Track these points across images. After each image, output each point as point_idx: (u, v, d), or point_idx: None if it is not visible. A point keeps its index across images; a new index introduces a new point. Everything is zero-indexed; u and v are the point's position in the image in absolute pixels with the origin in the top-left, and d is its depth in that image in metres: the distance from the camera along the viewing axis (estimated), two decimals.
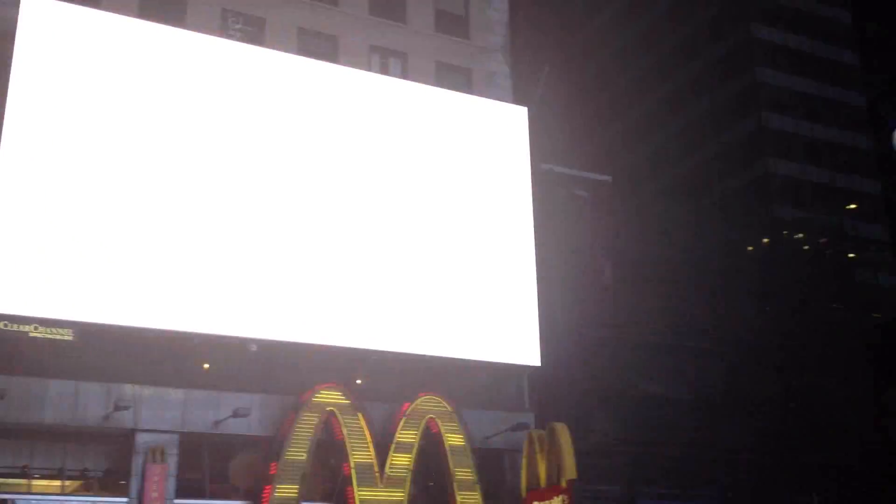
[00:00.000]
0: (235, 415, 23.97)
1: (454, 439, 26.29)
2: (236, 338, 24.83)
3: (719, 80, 60.52)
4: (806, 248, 39.06)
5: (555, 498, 24.77)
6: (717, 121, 60.17)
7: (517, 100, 32.39)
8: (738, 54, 59.73)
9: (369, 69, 30.38)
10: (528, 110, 31.32)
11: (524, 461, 26.47)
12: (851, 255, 44.99)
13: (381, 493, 24.78)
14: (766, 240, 39.27)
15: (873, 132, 51.10)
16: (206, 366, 25.32)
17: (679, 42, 64.44)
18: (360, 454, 24.94)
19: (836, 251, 40.38)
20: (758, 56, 58.76)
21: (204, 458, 24.66)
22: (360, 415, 25.24)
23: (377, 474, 24.90)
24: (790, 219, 47.31)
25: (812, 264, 38.42)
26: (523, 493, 26.32)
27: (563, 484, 24.57)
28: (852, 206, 55.61)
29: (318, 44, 30.20)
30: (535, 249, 29.57)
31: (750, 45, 59.12)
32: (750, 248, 38.37)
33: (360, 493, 24.53)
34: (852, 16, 62.49)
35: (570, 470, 24.63)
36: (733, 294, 35.42)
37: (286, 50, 28.89)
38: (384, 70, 31.08)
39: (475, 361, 28.03)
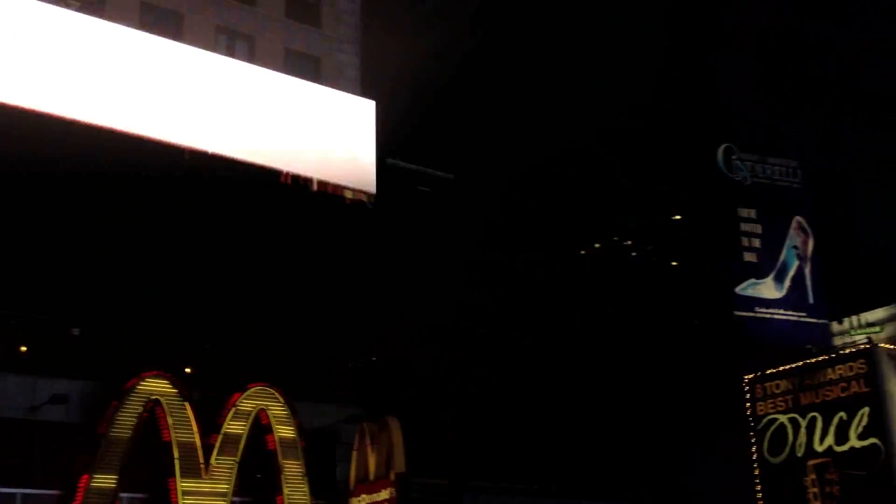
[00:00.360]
0: (53, 401, 22.94)
1: (284, 431, 26.03)
2: (57, 320, 23.76)
3: None
4: (634, 254, 40.82)
5: (383, 491, 24.92)
6: None
7: (365, 92, 32.35)
8: None
9: (215, 50, 29.61)
10: (376, 104, 31.34)
11: (354, 454, 26.50)
12: (674, 264, 47.31)
13: (206, 485, 24.26)
14: (597, 245, 40.77)
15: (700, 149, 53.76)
16: (24, 348, 24.11)
17: None
18: (185, 445, 24.31)
19: (661, 259, 42.35)
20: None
21: (16, 445, 23.44)
22: (186, 404, 24.60)
23: (202, 465, 24.35)
24: (622, 226, 49.27)
25: (639, 271, 40.18)
26: (352, 486, 26.36)
27: (392, 477, 24.75)
28: (678, 216, 58.52)
29: (161, 20, 29.20)
30: (376, 244, 29.70)
31: None
32: (583, 253, 39.76)
33: (183, 484, 23.93)
34: None
35: (399, 463, 24.82)
36: (565, 297, 36.57)
37: (127, 24, 27.76)
38: (230, 52, 30.40)
39: (309, 352, 27.92)
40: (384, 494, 24.92)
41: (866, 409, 32.55)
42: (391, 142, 32.35)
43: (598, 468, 34.75)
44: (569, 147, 60.87)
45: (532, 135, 64.06)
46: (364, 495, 25.74)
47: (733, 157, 40.78)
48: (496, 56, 68.06)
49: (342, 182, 29.39)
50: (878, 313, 39.72)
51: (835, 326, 40.48)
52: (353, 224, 29.37)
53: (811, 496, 33.43)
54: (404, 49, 75.03)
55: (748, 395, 36.90)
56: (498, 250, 34.83)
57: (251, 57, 30.37)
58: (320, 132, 29.73)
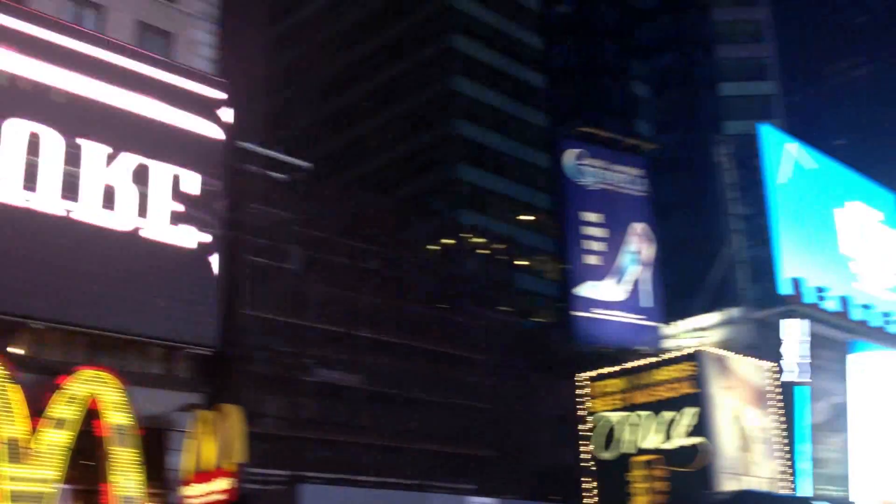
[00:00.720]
0: None
1: (118, 417, 25.02)
2: None
3: (419, 82, 62.78)
4: (484, 252, 41.56)
5: (220, 480, 24.46)
6: (414, 121, 62.40)
7: (219, 72, 31.53)
8: (437, 61, 62.30)
9: (62, 18, 28.13)
10: (229, 85, 30.58)
11: (191, 442, 25.87)
12: (520, 263, 48.47)
13: (31, 471, 23.05)
14: (449, 241, 41.25)
15: (550, 151, 55.39)
16: None
17: (385, 40, 66.04)
18: (10, 429, 23.04)
19: (508, 258, 43.27)
20: (455, 66, 61.60)
21: None
22: (13, 386, 23.29)
23: (28, 451, 23.14)
24: (471, 224, 50.10)
25: (486, 268, 40.91)
26: (188, 475, 25.71)
27: (230, 467, 24.31)
28: (526, 217, 60.09)
29: None
30: (224, 229, 28.98)
31: (449, 54, 61.86)
32: (434, 248, 40.15)
33: (7, 470, 22.66)
34: (542, 41, 67.45)
35: (238, 453, 24.42)
36: (413, 290, 36.81)
37: None
38: (78, 21, 28.89)
39: (147, 337, 27.04)
40: (221, 484, 24.45)
41: (693, 410, 34.33)
42: (245, 125, 31.69)
43: (432, 460, 35.21)
44: (418, 144, 61.50)
45: (384, 130, 64.27)
46: (198, 484, 25.16)
47: (581, 162, 42.13)
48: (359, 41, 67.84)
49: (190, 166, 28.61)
50: (707, 319, 42.02)
51: (666, 330, 42.51)
52: (208, 208, 28.60)
53: (638, 491, 34.99)
54: (264, 31, 73.69)
55: (583, 394, 38.21)
56: (355, 244, 34.66)
57: (100, 28, 28.98)
58: (171, 111, 28.78)
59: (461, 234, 43.40)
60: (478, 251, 41.86)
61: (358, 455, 33.27)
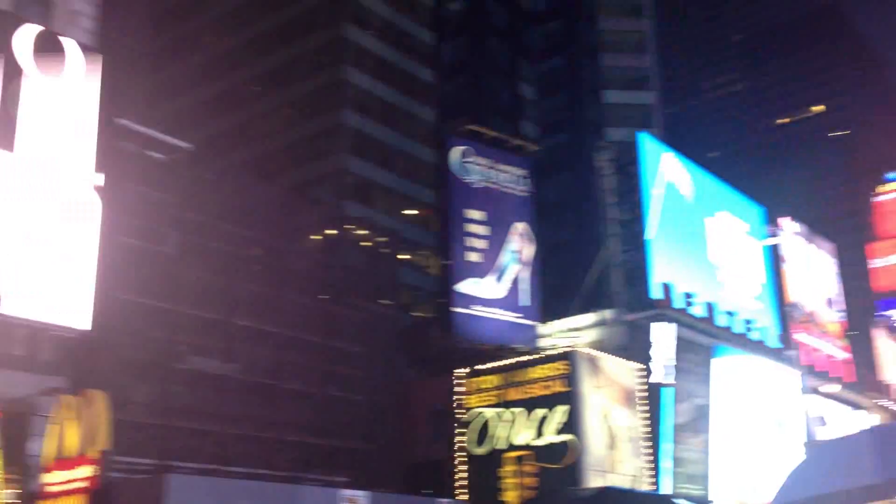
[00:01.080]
0: None
1: None
2: None
3: (308, 69, 62.05)
4: (367, 244, 41.39)
5: (83, 468, 23.57)
6: (302, 109, 61.64)
7: (99, 45, 30.34)
8: (328, 49, 61.68)
9: None
10: (105, 59, 29.46)
11: (53, 428, 24.86)
12: (402, 257, 48.57)
13: None
14: (332, 231, 40.93)
15: (437, 147, 55.64)
16: None
17: (276, 24, 64.95)
18: None
19: (391, 251, 43.26)
20: (346, 55, 61.13)
21: None
22: None
23: None
24: (355, 215, 49.88)
25: (368, 261, 40.78)
26: (49, 462, 24.70)
27: (94, 454, 23.47)
28: (411, 211, 60.21)
29: None
30: (98, 207, 27.94)
31: (340, 43, 61.34)
32: (317, 238, 39.76)
33: None
34: (434, 36, 67.65)
35: (102, 440, 23.60)
36: (294, 280, 36.39)
37: None
38: None
39: (10, 317, 25.86)
40: (83, 472, 23.56)
41: (564, 408, 35.13)
42: (125, 102, 30.60)
43: (306, 452, 34.93)
44: (304, 132, 60.78)
45: (270, 115, 63.27)
46: (59, 472, 24.19)
47: (467, 159, 42.47)
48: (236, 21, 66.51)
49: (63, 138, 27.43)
50: (581, 319, 43.02)
51: (542, 329, 43.32)
52: (82, 185, 27.47)
53: (508, 486, 35.58)
54: (149, 5, 71.23)
55: (459, 389, 38.58)
56: (234, 230, 33.95)
57: None
58: (45, 82, 27.53)
59: (345, 226, 43.15)
60: (361, 243, 41.67)
61: (229, 445, 32.65)
